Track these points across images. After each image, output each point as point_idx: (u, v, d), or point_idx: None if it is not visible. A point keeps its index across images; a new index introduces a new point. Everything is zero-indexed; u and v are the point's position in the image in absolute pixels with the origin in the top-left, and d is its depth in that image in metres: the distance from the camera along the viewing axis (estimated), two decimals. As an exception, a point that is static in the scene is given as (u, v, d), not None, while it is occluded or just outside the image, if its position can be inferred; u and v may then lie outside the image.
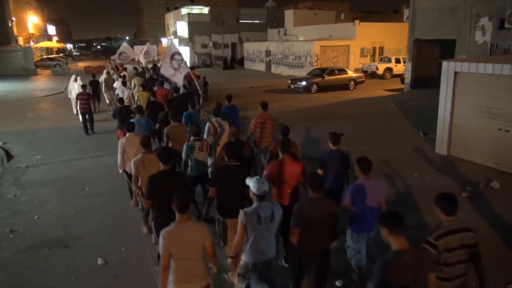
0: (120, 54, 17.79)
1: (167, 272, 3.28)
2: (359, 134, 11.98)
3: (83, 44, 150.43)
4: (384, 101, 18.24)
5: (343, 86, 21.64)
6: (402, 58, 26.36)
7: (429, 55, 19.41)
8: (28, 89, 25.00)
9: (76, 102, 12.86)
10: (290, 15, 39.41)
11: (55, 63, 41.86)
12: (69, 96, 15.74)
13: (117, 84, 13.49)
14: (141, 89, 12.10)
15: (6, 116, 15.98)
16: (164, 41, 58.67)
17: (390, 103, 17.48)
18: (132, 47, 21.01)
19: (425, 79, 19.54)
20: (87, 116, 12.40)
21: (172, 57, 9.76)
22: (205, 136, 6.74)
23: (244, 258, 3.78)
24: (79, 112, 12.86)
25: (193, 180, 6.02)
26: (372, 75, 27.54)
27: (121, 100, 10.28)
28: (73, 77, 15.16)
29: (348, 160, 5.31)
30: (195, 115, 7.74)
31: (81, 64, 45.67)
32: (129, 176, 6.10)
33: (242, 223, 3.61)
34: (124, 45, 19.19)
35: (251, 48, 39.61)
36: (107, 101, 16.08)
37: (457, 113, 9.37)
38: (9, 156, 10.43)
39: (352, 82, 22.11)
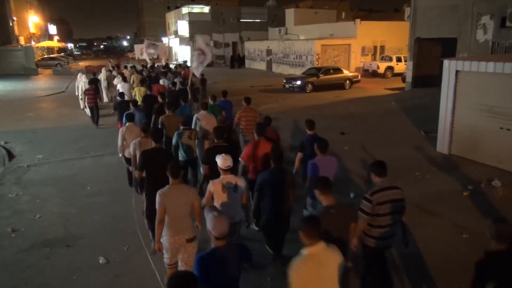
0: (151, 43, 18.76)
1: (162, 225, 3.95)
2: (360, 133, 11.98)
3: (84, 44, 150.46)
4: (385, 100, 18.22)
5: (339, 85, 21.59)
6: (403, 57, 26.31)
7: (430, 53, 19.38)
8: (29, 88, 25.03)
9: (84, 98, 13.90)
10: (291, 14, 39.37)
11: (56, 62, 41.91)
12: (76, 94, 16.57)
13: (117, 81, 14.66)
14: (140, 85, 12.88)
15: (7, 115, 16.01)
16: (165, 40, 58.69)
17: (391, 102, 17.46)
18: (133, 46, 21.42)
19: (426, 78, 19.50)
20: (94, 110, 13.36)
21: (199, 51, 10.90)
22: (192, 126, 7.58)
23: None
24: (87, 107, 13.86)
25: (183, 165, 6.66)
26: (373, 74, 27.50)
27: (121, 94, 11.00)
28: (79, 74, 16.18)
29: (327, 144, 5.80)
30: (186, 108, 8.80)
31: (82, 64, 45.71)
32: (127, 160, 7.10)
33: (209, 191, 4.42)
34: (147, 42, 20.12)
35: (252, 47, 39.59)
36: (106, 99, 16.68)
37: (458, 112, 9.35)
38: (10, 155, 10.45)
39: (347, 82, 22.07)
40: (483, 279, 2.74)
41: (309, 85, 21.14)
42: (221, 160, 4.46)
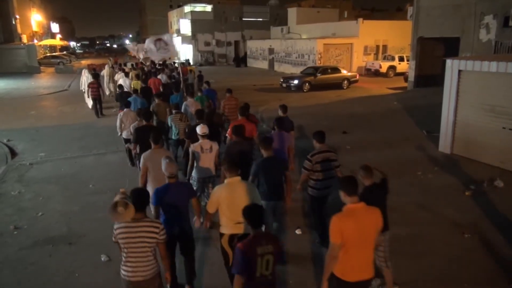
0: (158, 40, 18.87)
1: (144, 178, 5.26)
2: (362, 132, 11.97)
3: (86, 42, 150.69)
4: (387, 99, 18.20)
5: (336, 85, 21.53)
6: (406, 56, 26.24)
7: (433, 53, 19.32)
8: (31, 86, 25.08)
9: (88, 90, 15.03)
10: (293, 13, 39.34)
11: (58, 60, 41.98)
12: (81, 88, 17.51)
13: (117, 77, 16.62)
14: (136, 79, 15.08)
15: (10, 113, 16.07)
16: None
17: (393, 101, 17.43)
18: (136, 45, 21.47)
19: (429, 77, 19.46)
20: (97, 102, 14.73)
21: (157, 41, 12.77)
22: (183, 111, 8.87)
23: (193, 174, 5.93)
24: (90, 98, 15.12)
25: (175, 143, 8.18)
26: (376, 73, 27.46)
27: (120, 86, 13.02)
28: (84, 70, 17.59)
29: (292, 123, 7.20)
30: (176, 97, 10.10)
31: (84, 62, 45.80)
32: (126, 140, 8.64)
33: (192, 152, 5.80)
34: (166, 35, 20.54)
35: (254, 46, 39.57)
36: (108, 92, 17.51)
37: (461, 111, 9.34)
38: (13, 153, 10.49)
39: (345, 81, 22.02)
40: None
41: (307, 85, 21.11)
42: (200, 128, 5.87)
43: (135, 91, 11.08)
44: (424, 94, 17.99)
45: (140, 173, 5.32)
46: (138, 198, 3.53)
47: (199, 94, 10.20)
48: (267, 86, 23.57)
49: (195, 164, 5.84)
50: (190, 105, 9.13)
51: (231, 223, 4.14)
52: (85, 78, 16.51)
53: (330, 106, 16.69)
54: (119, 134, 8.88)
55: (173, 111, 8.28)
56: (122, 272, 3.58)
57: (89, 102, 15.70)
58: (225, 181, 4.24)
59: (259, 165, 4.90)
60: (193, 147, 5.82)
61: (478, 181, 7.85)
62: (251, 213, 3.24)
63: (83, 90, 16.65)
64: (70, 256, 5.52)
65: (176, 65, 20.92)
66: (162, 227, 3.55)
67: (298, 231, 5.96)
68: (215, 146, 5.90)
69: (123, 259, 3.56)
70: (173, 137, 8.15)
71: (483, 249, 5.50)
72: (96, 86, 14.62)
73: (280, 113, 7.07)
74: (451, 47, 17.65)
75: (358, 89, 21.63)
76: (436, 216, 6.51)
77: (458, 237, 5.82)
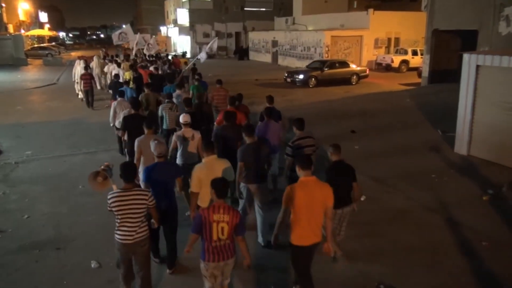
0: (120, 33, 20.20)
1: (138, 163, 5.82)
2: (372, 131, 11.95)
3: (77, 33, 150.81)
4: (400, 96, 18.17)
5: (345, 80, 21.51)
6: (420, 50, 26.17)
7: (448, 47, 19.27)
8: (18, 80, 25.14)
9: (80, 82, 15.80)
10: (298, 2, 39.26)
11: (46, 52, 42.02)
12: (73, 80, 17.93)
13: (107, 69, 17.61)
14: (128, 69, 15.66)
15: (-5, 108, 16.09)
16: (163, 29, 58.69)
17: (406, 98, 17.40)
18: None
19: (444, 73, 19.40)
20: (89, 94, 15.51)
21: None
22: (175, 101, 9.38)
23: (177, 161, 6.55)
24: (82, 90, 15.98)
25: (166, 133, 8.53)
26: (387, 68, 27.39)
27: (116, 75, 13.65)
28: (77, 61, 18.00)
29: (280, 113, 8.00)
30: (170, 88, 10.87)
31: (74, 54, 45.83)
32: (118, 129, 8.76)
33: (174, 140, 6.56)
34: (125, 27, 21.53)
35: (256, 38, 39.54)
36: (98, 87, 17.84)
37: (479, 109, 9.30)
38: (-3, 151, 10.51)
39: (354, 77, 21.99)
40: None
41: (313, 80, 21.09)
42: (182, 117, 6.60)
43: (126, 82, 12.13)
44: (439, 90, 17.95)
45: (136, 156, 5.95)
46: (127, 170, 4.21)
47: (195, 83, 11.43)
48: (270, 81, 23.56)
49: (179, 151, 6.56)
50: (183, 95, 9.72)
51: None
52: (79, 68, 17.08)
53: (338, 103, 16.68)
54: (112, 124, 9.38)
55: (165, 101, 8.97)
56: (116, 236, 4.23)
57: (80, 93, 16.68)
58: (203, 160, 5.12)
59: (244, 151, 5.63)
60: (175, 135, 6.63)
61: (497, 185, 7.82)
62: (216, 185, 3.94)
63: (77, 82, 17.21)
64: (58, 261, 5.52)
65: (169, 57, 21.49)
66: (151, 194, 4.24)
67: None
68: (197, 134, 6.51)
69: (117, 224, 4.20)
70: (164, 126, 8.70)
71: (502, 259, 5.49)
72: (88, 78, 15.40)
73: (267, 104, 7.80)
74: (469, 40, 17.60)
75: (368, 84, 21.60)
76: (451, 223, 6.49)
77: (475, 245, 5.80)
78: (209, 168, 4.88)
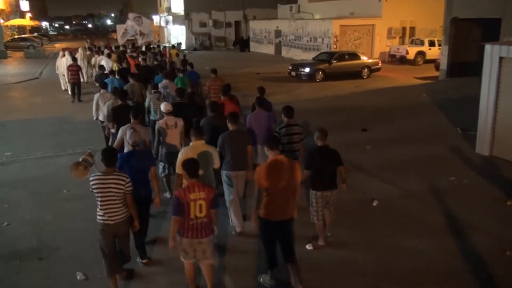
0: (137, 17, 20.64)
1: (118, 148, 6.50)
2: (385, 129, 11.95)
3: (61, 22, 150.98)
4: (415, 91, 18.16)
5: (355, 74, 21.49)
6: (437, 40, 26.11)
7: (469, 37, 19.22)
8: (-3, 74, 25.19)
9: (67, 73, 16.22)
10: (304, -12, 39.27)
11: (28, 44, 42.11)
12: (56, 72, 18.61)
13: (95, 61, 18.55)
14: (116, 60, 16.52)
15: (-28, 105, 16.13)
16: (156, 18, 58.68)
17: (422, 93, 17.39)
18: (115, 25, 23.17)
19: (465, 66, 19.36)
20: (75, 87, 16.13)
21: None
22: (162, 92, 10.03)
23: (160, 151, 7.24)
24: (68, 83, 16.59)
25: (153, 124, 8.65)
26: (401, 60, 27.35)
27: (101, 67, 14.50)
28: (60, 53, 18.50)
29: (271, 105, 8.37)
30: (161, 78, 11.48)
31: (59, 45, 45.90)
32: (102, 123, 9.56)
33: (157, 129, 7.09)
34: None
35: (258, 27, 39.54)
36: (85, 79, 18.17)
37: (503, 106, 9.28)
38: (-26, 152, 10.53)
39: (365, 70, 21.96)
40: None
41: (320, 73, 21.09)
42: (163, 106, 7.31)
43: (112, 72, 12.92)
44: (459, 85, 17.93)
45: (116, 143, 6.74)
46: (107, 155, 4.86)
47: (180, 75, 11.77)
48: (273, 74, 23.57)
49: (161, 141, 7.14)
50: (169, 86, 10.52)
51: None
52: (64, 60, 17.62)
53: (348, 99, 16.68)
54: (95, 118, 9.99)
55: (152, 91, 9.67)
56: (98, 218, 4.86)
57: (63, 84, 17.71)
58: (190, 143, 5.85)
59: (224, 138, 6.25)
60: (158, 124, 7.16)
61: (522, 189, 7.81)
62: (187, 166, 4.62)
63: (63, 74, 17.64)
64: (41, 273, 5.52)
65: (161, 48, 22.04)
66: (129, 180, 4.84)
67: (309, 246, 5.95)
68: (180, 122, 7.15)
69: (98, 207, 4.81)
70: (151, 117, 9.33)
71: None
72: (76, 69, 15.94)
73: (258, 94, 8.49)
74: (491, 30, 17.56)
75: (380, 78, 21.59)
76: (472, 230, 6.48)
77: (499, 255, 5.79)
78: (195, 151, 5.59)
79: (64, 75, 17.46)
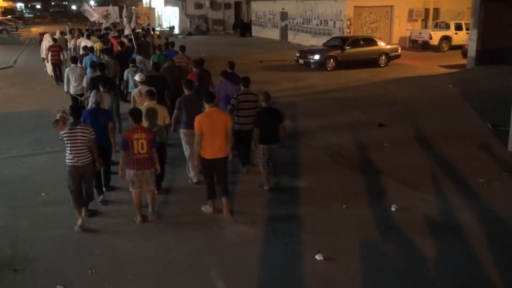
0: (84, 11, 23.46)
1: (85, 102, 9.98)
2: (404, 125, 11.93)
3: (38, 4, 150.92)
4: (440, 81, 18.12)
5: (371, 61, 21.41)
6: (465, 23, 26.09)
7: (501, 20, 19.15)
8: (-34, 62, 25.25)
9: (47, 54, 17.85)
10: (313, -35, 39.19)
11: (1, 28, 42.23)
12: (42, 56, 19.53)
13: (74, 43, 20.10)
14: (98, 41, 18.71)
15: None
16: (145, 0, 58.70)
17: (447, 83, 17.35)
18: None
19: (496, 52, 19.30)
20: (57, 68, 17.76)
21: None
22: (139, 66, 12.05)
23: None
24: (49, 62, 18.13)
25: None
26: (424, 46, 27.27)
27: (85, 47, 15.62)
28: (45, 35, 19.81)
29: (239, 77, 9.45)
30: (157, 56, 13.84)
31: (35, 30, 45.99)
32: (72, 97, 12.12)
33: (132, 96, 9.07)
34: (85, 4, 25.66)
35: (261, 9, 39.48)
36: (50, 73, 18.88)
37: (539, 98, 9.27)
38: None
39: (383, 57, 21.82)
40: None
41: (331, 61, 21.03)
42: (138, 76, 9.29)
43: (92, 49, 15.19)
44: (489, 74, 17.88)
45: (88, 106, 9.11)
46: (74, 111, 6.89)
47: (157, 52, 14.38)
48: (278, 62, 23.54)
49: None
50: (145, 62, 12.77)
51: None
52: (46, 43, 18.79)
53: (362, 90, 16.65)
54: (66, 90, 12.28)
55: (130, 65, 11.65)
56: (67, 160, 6.72)
57: (49, 68, 18.72)
58: (144, 103, 7.80)
59: (181, 101, 8.16)
60: (133, 92, 9.24)
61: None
62: (132, 113, 6.90)
63: (45, 59, 18.88)
64: (17, 286, 5.54)
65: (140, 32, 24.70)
66: (92, 130, 6.79)
67: (318, 257, 5.97)
68: (153, 91, 8.54)
69: (67, 151, 6.68)
70: (129, 90, 11.23)
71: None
72: (57, 50, 17.61)
73: (228, 69, 10.24)
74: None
75: (400, 67, 21.55)
76: (502, 239, 6.47)
77: (534, 267, 5.79)
78: (144, 108, 7.52)
79: (45, 59, 18.82)
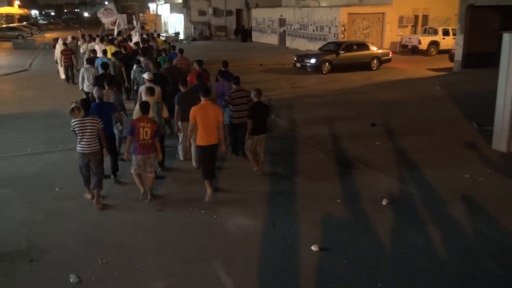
0: (106, 9, 24.38)
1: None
2: (395, 124, 11.93)
3: (52, 11, 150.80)
4: (428, 83, 18.13)
5: (364, 65, 21.45)
6: (452, 29, 26.06)
7: (486, 25, 19.14)
8: (-16, 65, 25.22)
9: (61, 58, 18.55)
10: (310, -26, 39.15)
11: (17, 33, 42.12)
12: (55, 59, 20.14)
13: (85, 47, 19.81)
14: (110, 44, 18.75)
15: (-43, 99, 16.17)
16: (152, 6, 58.67)
17: (435, 86, 17.37)
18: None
19: (481, 56, 19.30)
20: (69, 69, 18.57)
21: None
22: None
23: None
24: (62, 66, 18.75)
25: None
26: (413, 50, 27.30)
27: (93, 51, 15.92)
28: (59, 40, 20.12)
29: (232, 75, 10.18)
30: (162, 58, 14.38)
31: (49, 35, 45.92)
32: (86, 94, 12.26)
33: (140, 92, 9.48)
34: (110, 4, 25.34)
35: (261, 16, 39.47)
36: (63, 76, 19.18)
37: (521, 99, 9.26)
38: (-39, 148, 10.57)
39: (375, 61, 21.88)
40: None
41: (326, 64, 21.07)
42: (146, 74, 9.77)
43: (104, 51, 15.88)
44: (475, 77, 17.89)
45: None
46: (85, 104, 7.28)
47: (163, 54, 15.22)
48: (277, 66, 23.56)
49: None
50: (147, 62, 13.17)
51: None
52: (59, 47, 19.37)
53: (356, 92, 16.65)
54: (80, 88, 12.78)
55: (135, 66, 12.30)
56: (78, 148, 7.18)
57: (61, 71, 19.21)
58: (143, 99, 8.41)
59: (179, 97, 8.76)
60: (141, 88, 9.67)
61: (542, 187, 7.81)
62: (141, 106, 7.52)
63: (58, 62, 19.37)
64: (31, 275, 5.56)
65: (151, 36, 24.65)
66: (100, 121, 7.25)
67: (314, 247, 5.97)
68: (157, 89, 9.23)
69: (78, 140, 7.13)
70: (135, 88, 11.80)
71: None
72: (69, 53, 18.35)
73: (222, 68, 11.08)
74: (510, 18, 17.48)
75: (391, 70, 21.57)
76: (488, 232, 6.48)
77: (516, 257, 5.80)
78: (151, 102, 8.03)
79: (57, 62, 19.59)
